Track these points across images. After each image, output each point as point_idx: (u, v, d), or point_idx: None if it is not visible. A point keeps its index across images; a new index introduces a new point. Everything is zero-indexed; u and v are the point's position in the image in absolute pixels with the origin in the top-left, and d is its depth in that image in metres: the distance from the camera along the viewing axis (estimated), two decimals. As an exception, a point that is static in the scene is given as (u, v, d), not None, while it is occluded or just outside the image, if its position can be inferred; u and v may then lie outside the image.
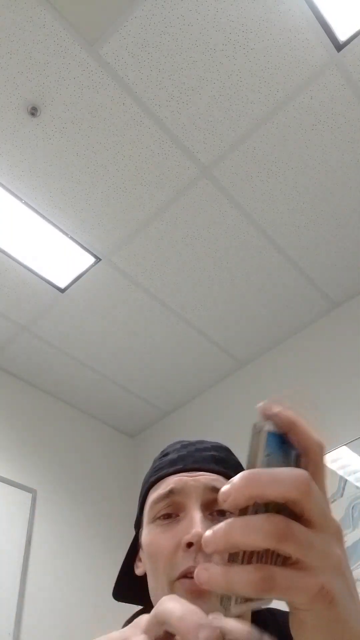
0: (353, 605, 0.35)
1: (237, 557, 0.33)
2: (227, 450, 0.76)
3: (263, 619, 0.69)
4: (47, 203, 2.29)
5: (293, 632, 0.35)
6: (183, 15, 1.83)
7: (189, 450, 0.73)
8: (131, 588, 0.76)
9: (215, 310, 2.81)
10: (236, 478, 0.33)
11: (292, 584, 0.32)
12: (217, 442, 0.77)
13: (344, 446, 2.43)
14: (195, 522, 0.63)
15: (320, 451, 0.36)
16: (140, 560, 0.74)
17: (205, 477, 0.68)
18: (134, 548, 0.76)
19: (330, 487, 2.38)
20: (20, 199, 2.26)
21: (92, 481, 3.12)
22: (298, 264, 2.62)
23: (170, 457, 0.73)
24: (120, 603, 0.78)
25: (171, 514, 0.67)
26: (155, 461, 0.76)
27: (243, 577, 0.31)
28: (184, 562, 0.62)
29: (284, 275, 2.67)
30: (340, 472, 2.39)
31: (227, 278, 2.66)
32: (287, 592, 0.32)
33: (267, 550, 0.33)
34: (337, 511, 2.29)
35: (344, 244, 2.56)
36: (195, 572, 0.34)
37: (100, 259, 2.53)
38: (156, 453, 0.79)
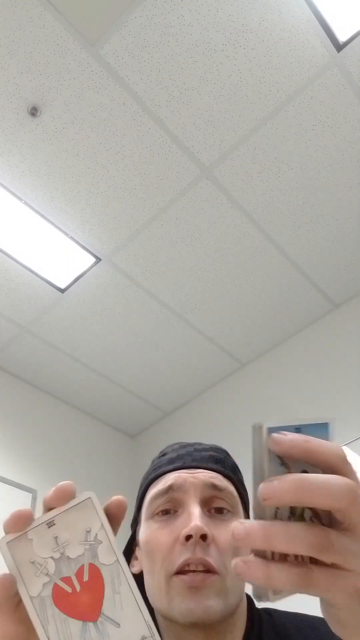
0: None
1: (264, 552, 0.33)
2: (225, 452, 0.77)
3: (259, 619, 0.69)
4: (47, 203, 2.29)
5: (332, 627, 0.37)
6: (183, 16, 1.83)
7: (188, 450, 0.74)
8: None
9: (215, 310, 2.81)
10: (280, 480, 0.32)
11: (330, 583, 0.33)
12: (215, 445, 0.78)
13: (344, 446, 2.43)
14: (194, 516, 0.64)
15: (341, 461, 0.35)
16: (136, 558, 0.74)
17: (204, 475, 0.69)
18: (130, 547, 0.76)
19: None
20: (20, 199, 2.26)
21: (92, 481, 3.12)
22: (298, 264, 2.62)
23: (169, 456, 0.74)
24: None
25: (170, 509, 0.68)
26: (153, 461, 0.77)
27: (283, 574, 0.32)
28: (181, 555, 0.63)
29: (284, 275, 2.67)
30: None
31: (228, 278, 2.66)
32: (325, 591, 0.33)
33: None
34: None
35: (344, 244, 2.56)
36: (233, 563, 0.34)
37: (100, 259, 2.53)
38: (156, 453, 0.79)
